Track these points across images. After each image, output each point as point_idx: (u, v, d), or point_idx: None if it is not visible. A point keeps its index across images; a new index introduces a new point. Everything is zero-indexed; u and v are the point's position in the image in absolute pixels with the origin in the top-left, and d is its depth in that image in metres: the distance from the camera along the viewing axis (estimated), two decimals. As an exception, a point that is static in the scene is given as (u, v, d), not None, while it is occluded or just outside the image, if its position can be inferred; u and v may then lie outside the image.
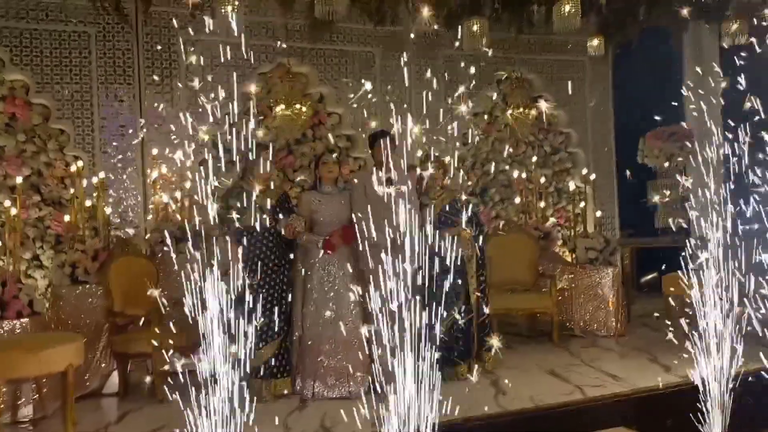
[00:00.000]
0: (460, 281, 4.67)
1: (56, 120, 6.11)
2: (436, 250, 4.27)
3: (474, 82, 7.50)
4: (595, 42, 6.61)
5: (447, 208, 4.68)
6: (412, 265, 3.82)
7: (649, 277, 7.34)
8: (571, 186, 7.57)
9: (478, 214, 5.25)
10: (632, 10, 6.43)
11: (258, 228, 4.65)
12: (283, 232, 4.66)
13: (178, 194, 6.00)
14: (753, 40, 5.07)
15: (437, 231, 4.40)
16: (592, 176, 7.44)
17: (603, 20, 6.88)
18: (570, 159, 8.12)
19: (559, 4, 5.54)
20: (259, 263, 4.63)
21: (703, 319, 3.34)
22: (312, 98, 6.99)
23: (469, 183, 7.56)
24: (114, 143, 6.27)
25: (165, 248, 5.15)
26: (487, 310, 4.78)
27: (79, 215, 5.22)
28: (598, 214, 7.40)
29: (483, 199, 7.67)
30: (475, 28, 5.96)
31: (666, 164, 7.56)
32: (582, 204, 7.33)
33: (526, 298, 6.08)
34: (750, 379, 3.55)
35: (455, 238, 4.64)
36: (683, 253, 3.35)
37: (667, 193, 7.50)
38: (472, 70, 7.49)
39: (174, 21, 6.21)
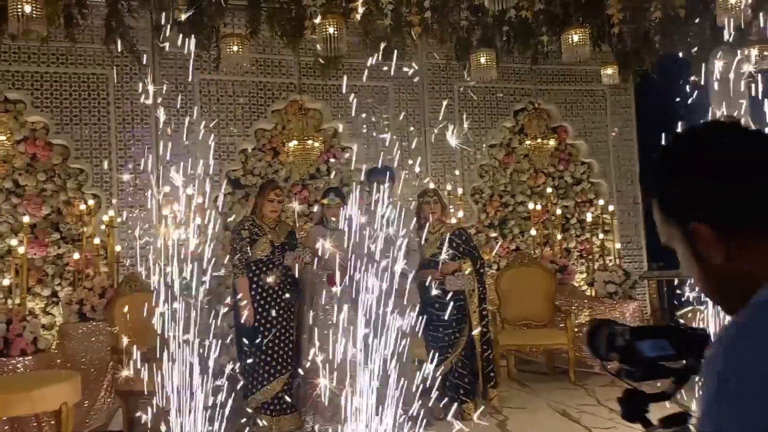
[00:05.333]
0: (462, 316, 4.57)
1: (75, 159, 6.28)
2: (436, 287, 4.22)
3: (490, 114, 7.51)
4: (609, 71, 6.48)
5: (447, 242, 4.60)
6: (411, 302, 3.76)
7: (683, 311, 7.07)
8: (588, 217, 7.37)
9: (478, 247, 5.14)
10: (647, 39, 6.30)
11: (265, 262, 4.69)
12: (289, 264, 4.68)
13: (189, 231, 6.06)
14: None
15: (435, 267, 4.39)
16: (611, 207, 7.25)
17: (619, 49, 6.76)
18: (592, 190, 7.94)
19: (566, 34, 5.46)
20: (268, 298, 4.67)
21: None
22: (325, 134, 7.04)
23: (485, 215, 7.45)
24: (130, 181, 6.39)
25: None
26: (490, 345, 4.65)
27: (90, 253, 5.30)
28: (618, 246, 7.18)
29: (502, 231, 7.54)
30: (482, 60, 5.90)
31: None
32: (601, 236, 7.14)
33: (541, 334, 5.90)
34: None
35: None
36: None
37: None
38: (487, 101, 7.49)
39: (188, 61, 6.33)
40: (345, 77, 5.10)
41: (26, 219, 5.29)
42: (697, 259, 1.02)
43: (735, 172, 0.98)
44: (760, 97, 5.96)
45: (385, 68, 6.85)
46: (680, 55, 6.80)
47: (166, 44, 6.01)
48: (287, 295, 4.78)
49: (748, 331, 0.92)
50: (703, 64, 7.02)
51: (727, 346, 0.92)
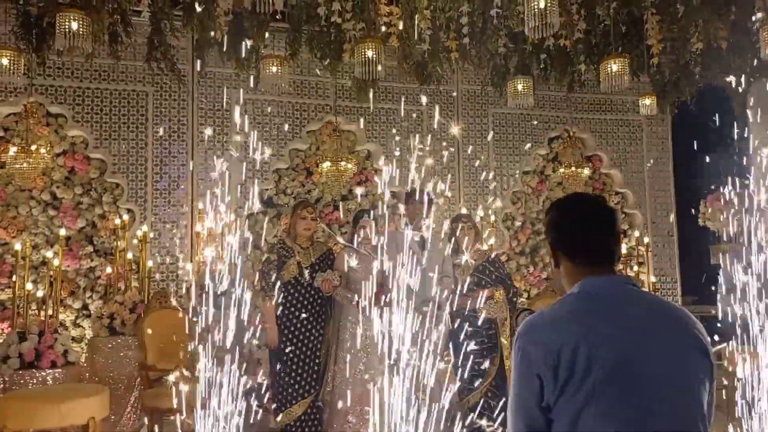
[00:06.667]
0: (493, 345, 4.49)
1: (111, 174, 6.36)
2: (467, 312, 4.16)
3: (524, 141, 7.47)
4: (648, 101, 6.40)
5: (480, 269, 4.54)
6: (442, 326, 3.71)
7: (718, 347, 6.88)
8: (623, 249, 7.23)
9: (510, 275, 5.07)
10: (686, 70, 6.22)
11: (295, 283, 4.67)
12: (318, 286, 4.64)
13: (220, 249, 6.08)
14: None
15: (468, 293, 4.33)
16: (646, 239, 7.11)
17: (657, 79, 6.68)
18: (626, 221, 7.82)
19: (605, 63, 5.41)
20: (294, 319, 4.64)
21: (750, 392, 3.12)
22: (359, 155, 7.05)
23: (516, 242, 7.37)
24: (165, 197, 6.46)
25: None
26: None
27: (122, 267, 5.34)
28: (653, 279, 7.03)
29: (533, 259, 7.45)
30: (520, 86, 5.88)
31: (730, 228, 7.17)
32: (635, 268, 7.00)
33: (572, 366, 5.76)
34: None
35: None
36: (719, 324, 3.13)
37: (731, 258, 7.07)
38: (522, 127, 7.46)
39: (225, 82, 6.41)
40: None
41: (62, 231, 5.36)
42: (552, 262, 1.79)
43: (556, 223, 1.69)
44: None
45: (420, 92, 6.91)
46: (720, 86, 6.71)
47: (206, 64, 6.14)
48: (314, 318, 4.74)
49: (536, 315, 1.62)
50: (745, 96, 6.93)
51: (525, 321, 1.60)
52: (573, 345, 1.46)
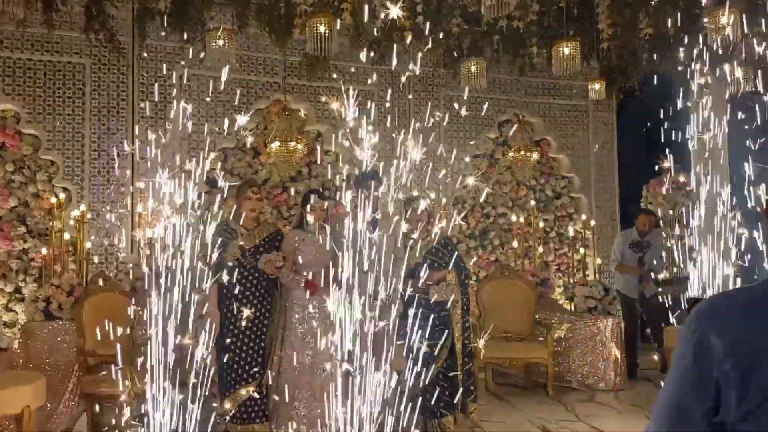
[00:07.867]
0: (444, 327, 4.46)
1: (46, 151, 6.03)
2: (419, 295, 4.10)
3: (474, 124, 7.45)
4: (597, 86, 6.47)
5: (432, 251, 4.49)
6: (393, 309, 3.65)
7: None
8: (570, 232, 7.34)
9: (462, 257, 5.05)
10: (634, 56, 6.31)
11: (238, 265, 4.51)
12: (261, 268, 4.50)
13: (162, 229, 5.85)
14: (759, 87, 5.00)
15: (422, 275, 4.27)
16: (592, 222, 7.23)
17: (605, 65, 6.76)
18: (572, 204, 7.92)
19: (557, 46, 5.41)
20: (237, 304, 4.48)
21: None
22: (309, 136, 6.89)
23: (466, 226, 7.38)
24: (103, 176, 6.17)
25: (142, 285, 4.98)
26: (471, 358, 4.56)
27: (59, 249, 5.08)
28: (598, 261, 7.16)
29: (482, 242, 7.47)
30: (473, 68, 5.84)
31: (670, 212, 7.38)
32: (582, 250, 7.11)
33: (521, 347, 5.82)
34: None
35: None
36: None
37: (673, 242, 7.27)
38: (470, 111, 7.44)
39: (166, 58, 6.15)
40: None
41: (-6, 210, 5.04)
42: None
43: None
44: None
45: (372, 72, 6.78)
46: (665, 73, 6.82)
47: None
48: (259, 302, 4.60)
49: (724, 296, 1.23)
50: (688, 84, 7.08)
51: (706, 301, 1.17)
52: None
